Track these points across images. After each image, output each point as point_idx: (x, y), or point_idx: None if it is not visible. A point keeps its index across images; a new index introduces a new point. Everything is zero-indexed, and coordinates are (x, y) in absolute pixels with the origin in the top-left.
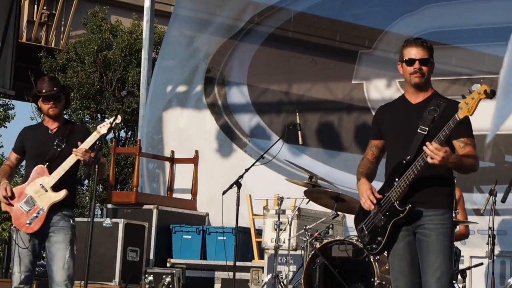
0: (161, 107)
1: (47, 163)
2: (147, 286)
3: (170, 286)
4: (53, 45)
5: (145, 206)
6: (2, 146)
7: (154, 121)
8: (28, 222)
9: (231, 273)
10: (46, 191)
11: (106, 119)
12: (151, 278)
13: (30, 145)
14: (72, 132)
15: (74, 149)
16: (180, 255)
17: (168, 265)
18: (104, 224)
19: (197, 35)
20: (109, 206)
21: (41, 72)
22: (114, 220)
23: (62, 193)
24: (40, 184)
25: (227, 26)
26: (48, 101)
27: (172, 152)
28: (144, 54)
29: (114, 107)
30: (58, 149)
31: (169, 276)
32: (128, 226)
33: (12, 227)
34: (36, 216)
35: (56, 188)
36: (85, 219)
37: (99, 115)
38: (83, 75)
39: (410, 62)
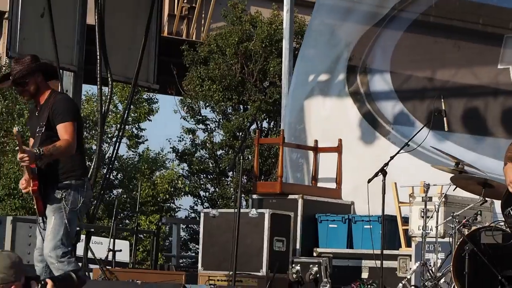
0: (303, 96)
1: None
2: (294, 275)
3: (317, 275)
4: (194, 38)
5: (290, 196)
6: (147, 140)
7: (296, 111)
8: None
9: (378, 262)
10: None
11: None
12: (298, 267)
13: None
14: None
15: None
16: (326, 244)
17: (314, 254)
18: (250, 215)
19: (338, 24)
20: (254, 196)
21: (183, 65)
22: (259, 210)
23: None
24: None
25: (371, 13)
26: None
27: (316, 141)
28: (285, 44)
29: (256, 98)
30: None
31: (316, 265)
32: (273, 216)
33: None
34: None
35: None
36: (231, 210)
37: (241, 106)
38: (224, 67)
39: None
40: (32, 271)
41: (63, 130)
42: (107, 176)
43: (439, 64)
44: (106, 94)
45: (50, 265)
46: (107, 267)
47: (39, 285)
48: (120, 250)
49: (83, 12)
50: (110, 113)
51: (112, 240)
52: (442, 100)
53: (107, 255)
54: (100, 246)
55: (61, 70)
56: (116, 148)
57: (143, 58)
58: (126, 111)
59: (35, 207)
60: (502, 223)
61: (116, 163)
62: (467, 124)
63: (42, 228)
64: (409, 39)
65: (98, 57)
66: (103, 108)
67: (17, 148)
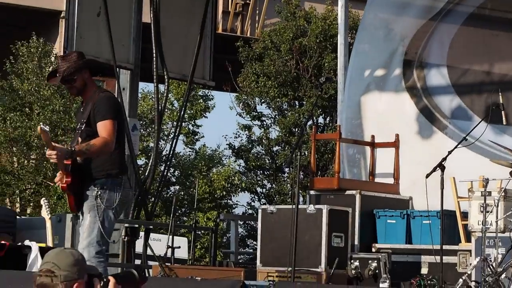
0: (360, 91)
1: None
2: (353, 271)
3: (376, 271)
4: (248, 35)
5: (348, 192)
6: (203, 137)
7: (352, 106)
8: None
9: (438, 257)
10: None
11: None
12: (356, 263)
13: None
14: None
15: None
16: (384, 239)
17: (373, 250)
18: (308, 211)
19: (392, 18)
20: (312, 192)
21: (238, 62)
22: (317, 206)
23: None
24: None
25: (426, 7)
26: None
27: (373, 136)
28: (340, 40)
29: (312, 94)
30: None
31: (375, 261)
32: (331, 212)
33: None
34: None
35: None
36: (289, 206)
37: (296, 102)
38: (279, 63)
39: None
40: (95, 269)
41: (102, 128)
42: (165, 173)
43: (496, 57)
44: (162, 91)
45: None
46: (166, 264)
47: (102, 282)
48: (179, 247)
49: (138, 10)
50: (166, 110)
51: (170, 237)
52: (500, 93)
53: (166, 252)
54: (158, 243)
55: (118, 68)
56: (173, 145)
57: (198, 55)
58: (183, 108)
59: None
60: None
61: (173, 160)
62: None
63: (79, 224)
64: (466, 33)
65: (154, 55)
66: (160, 105)
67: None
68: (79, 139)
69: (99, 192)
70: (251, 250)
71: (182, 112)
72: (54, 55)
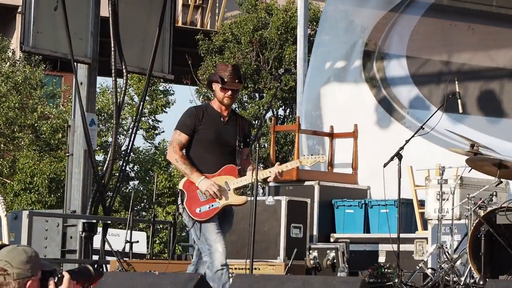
0: (320, 83)
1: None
2: (311, 261)
3: (335, 261)
4: (208, 28)
5: (307, 183)
6: (163, 131)
7: (313, 98)
8: (198, 209)
9: (395, 245)
10: (229, 190)
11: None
12: (315, 253)
13: (205, 128)
14: (242, 127)
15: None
16: (343, 229)
17: (331, 240)
18: (267, 202)
19: (353, 10)
20: (271, 184)
21: (198, 55)
22: (276, 197)
23: (243, 199)
24: (226, 182)
25: None
26: (227, 89)
27: (331, 127)
28: (300, 31)
29: (272, 86)
30: (238, 148)
31: (333, 251)
32: (290, 203)
33: (183, 211)
34: (209, 208)
35: (236, 190)
36: (248, 198)
37: (257, 95)
38: (240, 56)
39: None
40: (49, 266)
41: None
42: (123, 168)
43: (455, 48)
44: (121, 86)
45: None
46: (125, 258)
47: (56, 278)
48: (137, 242)
49: (96, 4)
50: (126, 105)
51: (129, 231)
52: (457, 82)
53: (124, 247)
54: (117, 238)
55: (75, 63)
56: (131, 139)
57: (157, 49)
58: (142, 102)
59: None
60: None
61: (133, 155)
62: (482, 106)
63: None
64: (426, 24)
65: (112, 48)
66: (118, 99)
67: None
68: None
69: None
70: None
71: (141, 106)
72: (11, 51)
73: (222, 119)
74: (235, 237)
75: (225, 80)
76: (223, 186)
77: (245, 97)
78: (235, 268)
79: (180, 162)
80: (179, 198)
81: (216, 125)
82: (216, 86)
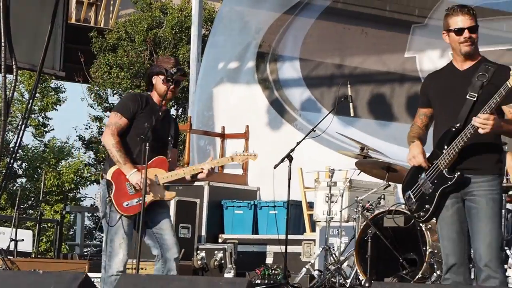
0: (212, 83)
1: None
2: (199, 262)
3: (222, 261)
4: (102, 25)
5: (197, 183)
6: (53, 129)
7: (205, 98)
8: (126, 203)
9: (283, 247)
10: (158, 184)
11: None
12: (203, 254)
13: (144, 117)
14: (175, 126)
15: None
16: (232, 230)
17: (220, 240)
18: None
19: (247, 11)
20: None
21: (91, 52)
22: None
23: (173, 194)
24: (155, 175)
25: (282, 0)
26: (170, 83)
27: (223, 127)
28: (194, 31)
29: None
30: (170, 144)
31: (221, 251)
32: (179, 203)
33: (108, 203)
34: (136, 202)
35: (166, 186)
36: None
37: None
38: (133, 54)
39: (459, 31)
40: None
41: None
42: (11, 165)
43: (348, 51)
44: (12, 81)
45: None
46: (9, 257)
47: None
48: (22, 240)
49: None
50: (17, 102)
51: (14, 229)
52: (349, 85)
53: (9, 245)
54: (2, 236)
55: None
56: (20, 136)
57: (49, 45)
58: (31, 99)
59: None
60: (403, 207)
61: (21, 152)
62: (373, 110)
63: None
64: (320, 27)
65: (2, 44)
66: (7, 96)
67: None
68: None
69: None
70: (98, 243)
71: (30, 102)
72: None
73: (160, 113)
74: None
75: (173, 72)
76: (153, 180)
77: None
78: None
79: (116, 149)
80: (106, 189)
81: (154, 118)
82: (158, 79)
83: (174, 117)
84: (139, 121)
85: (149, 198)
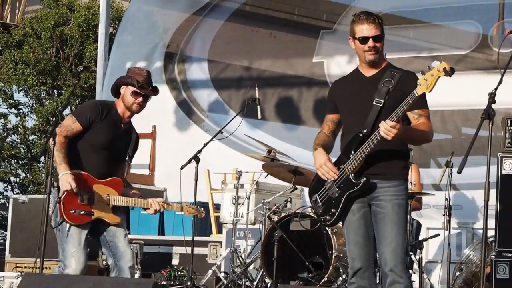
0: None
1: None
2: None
3: None
4: (8, 21)
5: None
6: None
7: (112, 97)
8: (73, 211)
9: (189, 248)
10: (108, 204)
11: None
12: None
13: (102, 128)
14: (136, 141)
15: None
16: (137, 231)
17: None
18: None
19: (156, 10)
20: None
21: None
22: None
23: (117, 219)
24: (107, 194)
25: (191, 1)
26: (139, 95)
27: (154, 126)
28: (101, 29)
29: (71, 83)
30: (127, 161)
31: None
32: None
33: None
34: (81, 214)
35: (115, 209)
36: (41, 196)
37: (55, 91)
38: (39, 51)
39: (364, 40)
40: None
41: None
42: None
43: (256, 54)
44: None
45: None
46: None
47: None
48: None
49: None
50: None
51: None
52: (257, 88)
53: None
54: None
55: None
56: None
57: None
58: None
59: None
60: (310, 210)
61: None
62: (280, 113)
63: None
64: (228, 29)
65: None
66: None
67: None
68: None
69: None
70: (1, 241)
71: None
72: None
73: (122, 125)
74: (26, 235)
75: (142, 85)
76: (104, 199)
77: (43, 93)
78: (25, 267)
79: (56, 148)
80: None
81: (114, 130)
82: (127, 90)
83: (136, 133)
84: (95, 132)
85: (96, 215)
